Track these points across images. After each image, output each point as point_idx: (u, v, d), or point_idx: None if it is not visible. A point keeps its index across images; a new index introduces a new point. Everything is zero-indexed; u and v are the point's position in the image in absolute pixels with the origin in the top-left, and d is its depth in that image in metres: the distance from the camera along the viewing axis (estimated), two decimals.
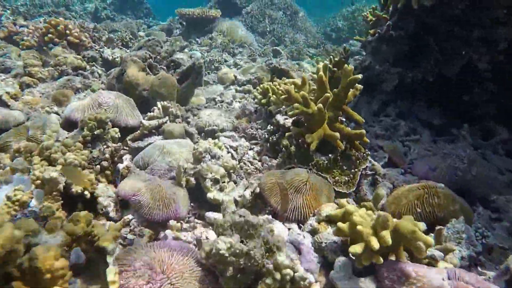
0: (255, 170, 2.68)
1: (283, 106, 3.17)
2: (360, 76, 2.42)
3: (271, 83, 3.45)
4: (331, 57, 4.44)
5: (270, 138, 2.88)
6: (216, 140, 2.66)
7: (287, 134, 2.57)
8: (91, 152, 2.12)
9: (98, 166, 2.09)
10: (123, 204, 2.03)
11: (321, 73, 2.36)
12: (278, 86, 3.34)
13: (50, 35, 4.79)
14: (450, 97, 4.12)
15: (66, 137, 2.20)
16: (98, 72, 4.50)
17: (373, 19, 5.03)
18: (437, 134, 4.00)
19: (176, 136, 3.06)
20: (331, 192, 2.28)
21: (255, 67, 5.64)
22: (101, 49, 5.58)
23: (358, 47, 10.99)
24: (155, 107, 3.29)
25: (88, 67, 4.72)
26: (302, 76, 2.46)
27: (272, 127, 2.96)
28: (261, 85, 3.51)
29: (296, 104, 2.28)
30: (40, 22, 5.99)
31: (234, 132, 3.21)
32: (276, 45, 9.44)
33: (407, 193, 2.32)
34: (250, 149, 3.03)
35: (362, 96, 4.40)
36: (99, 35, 6.11)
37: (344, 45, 4.66)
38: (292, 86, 3.04)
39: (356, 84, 2.50)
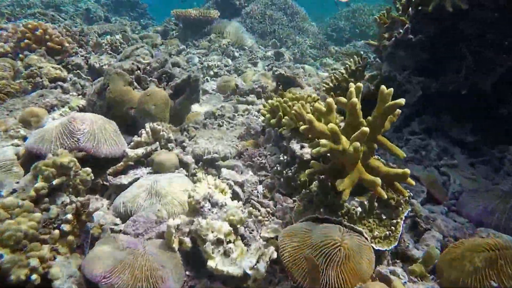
0: (267, 215, 2.09)
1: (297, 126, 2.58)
2: (403, 101, 1.83)
3: (281, 99, 2.86)
4: (347, 65, 3.84)
5: (284, 171, 2.29)
6: (218, 181, 2.06)
7: (307, 171, 1.98)
8: (47, 210, 1.52)
9: (57, 231, 1.50)
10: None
11: (354, 98, 1.76)
12: (290, 104, 2.75)
13: (26, 41, 4.17)
14: (484, 111, 3.54)
15: (12, 191, 1.59)
16: (80, 84, 3.89)
17: (388, 21, 4.44)
18: (469, 153, 3.42)
19: (168, 168, 2.46)
20: (371, 256, 1.69)
21: (257, 74, 5.04)
22: (88, 55, 4.97)
23: (362, 49, 10.41)
24: (143, 130, 2.70)
25: (70, 77, 4.11)
26: (328, 102, 1.86)
27: (285, 157, 2.37)
28: (269, 102, 2.92)
29: (323, 141, 1.68)
30: (21, 25, 5.36)
31: (239, 161, 2.62)
32: (278, 47, 8.83)
33: (470, 254, 1.73)
34: (260, 182, 2.44)
35: None
36: (87, 39, 5.51)
37: (362, 53, 4.04)
38: (304, 108, 2.46)
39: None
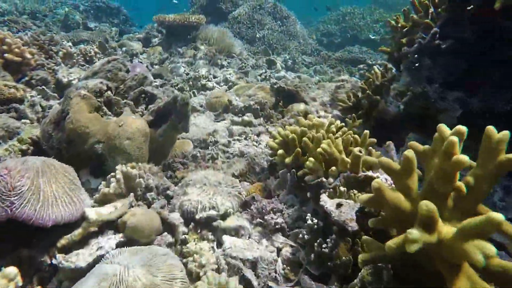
0: None
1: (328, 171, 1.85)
2: None
3: (297, 129, 2.13)
4: (370, 79, 3.13)
5: (316, 244, 1.56)
6: (222, 279, 1.32)
7: (361, 257, 1.25)
8: None
9: None
10: None
11: (458, 157, 1.03)
12: (310, 135, 2.02)
13: None
14: None
15: None
16: (41, 105, 3.09)
17: (407, 24, 3.76)
18: None
19: (147, 236, 1.71)
20: None
21: (253, 88, 4.30)
22: (56, 68, 4.17)
23: (357, 54, 9.77)
24: (113, 175, 1.94)
25: (31, 96, 3.31)
26: (407, 157, 1.12)
27: (315, 220, 1.64)
28: (281, 132, 2.19)
29: (414, 234, 0.94)
30: None
31: (244, 217, 1.87)
32: (269, 54, 8.11)
33: None
34: (278, 250, 1.71)
35: (413, 134, 3.11)
36: (57, 48, 4.70)
37: (385, 63, 3.32)
38: (335, 146, 1.74)
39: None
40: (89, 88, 2.21)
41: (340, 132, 2.19)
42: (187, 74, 5.74)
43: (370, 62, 7.94)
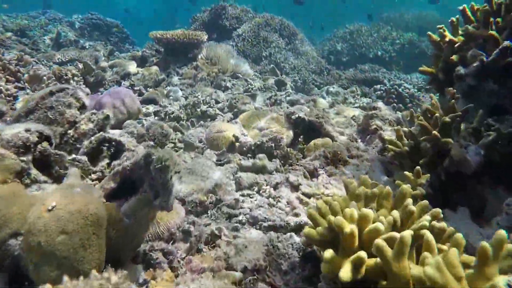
0: None
1: None
2: None
3: (353, 211, 1.21)
4: (437, 114, 2.18)
5: None
6: None
7: None
8: None
9: None
10: None
11: None
12: (374, 215, 1.11)
13: None
14: None
15: None
16: None
17: (457, 39, 2.85)
18: None
19: None
20: None
21: (264, 119, 3.38)
22: (17, 93, 3.28)
23: (371, 73, 8.91)
24: None
25: None
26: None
27: None
28: (320, 207, 1.27)
29: None
30: None
31: None
32: (277, 74, 7.23)
33: None
34: None
35: (486, 187, 2.17)
36: (27, 69, 3.82)
37: (451, 89, 2.36)
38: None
39: None
40: (5, 141, 1.28)
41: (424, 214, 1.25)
42: (186, 98, 4.85)
43: (388, 83, 7.03)
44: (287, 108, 4.65)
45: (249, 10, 9.10)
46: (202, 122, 3.97)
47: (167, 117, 3.95)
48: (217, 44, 6.86)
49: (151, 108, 4.31)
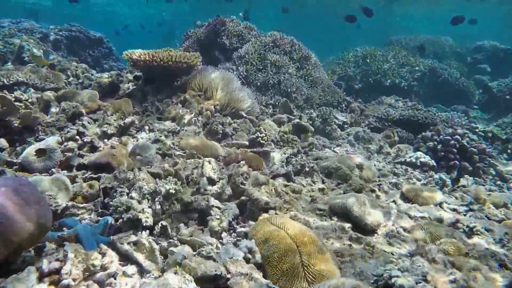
0: None
1: None
2: None
3: None
4: None
5: None
6: None
7: None
8: None
9: None
10: None
11: None
12: None
13: None
14: None
15: None
16: None
17: None
18: None
19: None
20: None
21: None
22: None
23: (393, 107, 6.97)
24: None
25: None
26: None
27: None
28: None
29: None
30: None
31: None
32: (290, 110, 5.27)
33: None
34: None
35: None
36: None
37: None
38: None
39: None
40: None
41: None
42: (163, 155, 2.87)
43: (441, 131, 5.11)
44: (325, 186, 2.72)
45: (253, 28, 7.19)
46: (184, 230, 1.99)
47: (118, 218, 1.96)
48: (214, 69, 4.91)
49: (96, 184, 2.33)
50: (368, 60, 10.04)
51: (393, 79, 9.65)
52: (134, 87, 4.71)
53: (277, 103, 5.97)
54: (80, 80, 5.56)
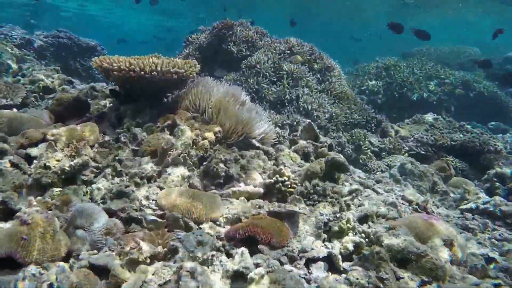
0: None
1: None
2: None
3: None
4: None
5: None
6: None
7: None
8: None
9: None
10: None
11: None
12: None
13: None
14: None
15: None
16: None
17: None
18: None
19: None
20: None
21: None
22: None
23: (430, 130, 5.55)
24: None
25: None
26: None
27: None
28: None
29: None
30: None
31: None
32: (315, 134, 3.96)
33: None
34: None
35: None
36: None
37: None
38: None
39: None
40: None
41: None
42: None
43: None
44: None
45: (265, 33, 5.93)
46: None
47: None
48: (215, 82, 3.61)
49: None
50: (391, 72, 8.73)
51: (420, 93, 8.32)
52: (111, 104, 3.44)
53: (294, 123, 4.68)
54: (51, 96, 4.34)
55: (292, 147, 3.42)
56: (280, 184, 2.48)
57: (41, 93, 4.35)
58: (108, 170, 2.22)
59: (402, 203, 3.03)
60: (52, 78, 4.68)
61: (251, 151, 3.01)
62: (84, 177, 2.22)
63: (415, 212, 2.83)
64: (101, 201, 2.02)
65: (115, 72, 2.92)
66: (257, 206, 2.28)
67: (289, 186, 2.50)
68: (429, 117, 5.60)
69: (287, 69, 5.15)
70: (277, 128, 4.25)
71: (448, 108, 8.20)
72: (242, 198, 2.40)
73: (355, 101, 5.65)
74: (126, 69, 2.90)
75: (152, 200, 2.11)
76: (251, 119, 3.19)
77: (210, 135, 2.87)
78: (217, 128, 2.96)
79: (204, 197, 2.15)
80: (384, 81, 8.66)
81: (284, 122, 4.67)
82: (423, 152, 4.42)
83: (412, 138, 4.69)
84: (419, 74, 8.53)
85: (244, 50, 5.48)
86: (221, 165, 2.54)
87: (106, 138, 2.76)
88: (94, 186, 2.09)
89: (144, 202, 2.04)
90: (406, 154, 4.28)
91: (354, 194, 2.63)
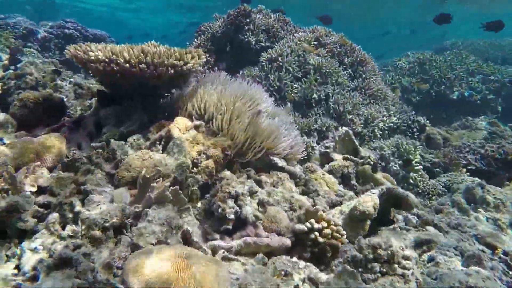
0: None
1: None
2: None
3: None
4: None
5: None
6: None
7: None
8: None
9: None
10: None
11: None
12: None
13: None
14: None
15: None
16: None
17: None
18: None
19: None
20: None
21: None
22: None
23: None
24: None
25: None
26: None
27: None
28: None
29: None
30: None
31: None
32: (353, 147, 3.07)
33: None
34: None
35: None
36: None
37: None
38: None
39: None
40: None
41: None
42: None
43: None
44: None
45: (288, 21, 5.02)
46: None
47: None
48: (227, 79, 2.75)
49: None
50: (427, 67, 7.68)
51: (461, 91, 7.26)
52: (90, 107, 2.64)
53: (324, 129, 3.80)
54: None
55: (326, 166, 2.55)
56: (317, 233, 1.62)
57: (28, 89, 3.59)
58: (55, 216, 1.41)
59: (482, 250, 2.12)
60: (44, 72, 3.91)
61: (273, 175, 2.16)
62: (21, 224, 1.41)
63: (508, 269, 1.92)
64: (31, 273, 1.21)
65: (92, 65, 2.10)
66: (283, 274, 1.43)
67: (330, 236, 1.63)
68: (482, 121, 4.60)
69: (314, 63, 4.24)
70: (304, 136, 3.38)
71: (495, 109, 7.11)
72: (261, 255, 1.55)
73: (394, 102, 4.70)
74: (106, 60, 2.07)
75: (117, 268, 1.28)
76: (274, 129, 2.33)
77: (217, 153, 2.03)
78: (228, 142, 2.11)
79: (200, 264, 1.31)
80: (419, 78, 7.64)
81: (312, 128, 3.79)
82: (484, 168, 3.47)
83: (468, 149, 3.74)
84: (459, 69, 7.45)
85: (263, 40, 4.60)
86: (230, 202, 1.70)
87: (77, 154, 1.94)
88: (26, 245, 1.28)
89: (102, 275, 1.22)
90: (464, 170, 3.34)
91: (424, 248, 1.74)
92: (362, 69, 4.72)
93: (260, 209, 1.86)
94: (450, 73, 7.42)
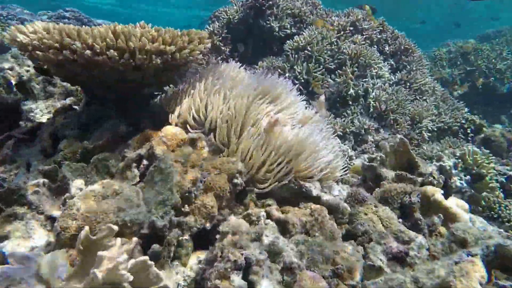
0: None
1: None
2: None
3: None
4: None
5: None
6: None
7: None
8: None
9: None
10: None
11: None
12: None
13: None
14: None
15: None
16: None
17: None
18: None
19: None
20: None
21: None
22: None
23: None
24: None
25: None
26: None
27: None
28: None
29: None
30: None
31: None
32: (409, 162, 2.28)
33: None
34: None
35: None
36: None
37: None
38: None
39: None
40: None
41: None
42: None
43: None
44: None
45: (318, 4, 4.20)
46: None
47: None
48: (244, 73, 2.00)
49: None
50: (471, 57, 6.67)
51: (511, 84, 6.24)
52: (76, 106, 1.95)
53: (362, 131, 3.00)
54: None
55: (379, 193, 1.76)
56: None
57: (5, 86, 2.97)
58: None
59: None
60: (27, 66, 3.29)
61: (305, 211, 1.41)
62: None
63: None
64: None
65: (38, 52, 1.39)
66: None
67: None
68: None
69: (349, 52, 3.42)
70: (340, 144, 2.60)
71: None
72: None
73: (445, 97, 3.83)
74: (57, 45, 1.36)
75: None
76: (307, 144, 1.57)
77: (220, 183, 1.29)
78: (237, 166, 1.37)
79: None
80: (462, 69, 6.65)
81: (348, 130, 2.99)
82: None
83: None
84: (510, 59, 6.40)
85: (289, 27, 3.80)
86: (236, 278, 0.97)
87: (13, 185, 1.25)
88: None
89: None
90: None
91: None
92: (406, 59, 3.86)
93: (286, 277, 1.12)
94: (500, 63, 6.39)
